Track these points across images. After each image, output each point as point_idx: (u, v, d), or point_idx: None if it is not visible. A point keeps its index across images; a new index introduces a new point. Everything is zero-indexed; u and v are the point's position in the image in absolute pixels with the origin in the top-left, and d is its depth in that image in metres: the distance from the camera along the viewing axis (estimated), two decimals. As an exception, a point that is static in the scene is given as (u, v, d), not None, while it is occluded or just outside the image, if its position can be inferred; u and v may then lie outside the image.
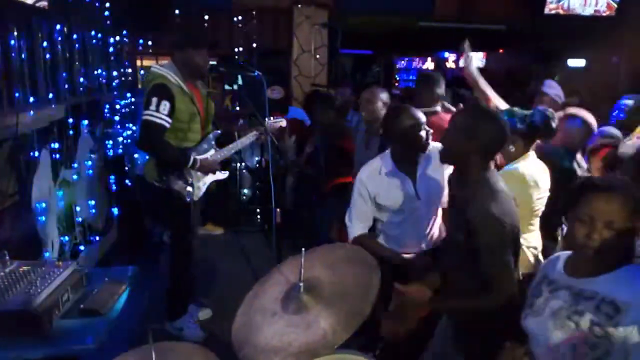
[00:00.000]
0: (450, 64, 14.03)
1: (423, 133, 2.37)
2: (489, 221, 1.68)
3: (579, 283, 1.46)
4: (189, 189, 3.07)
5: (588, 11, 6.55)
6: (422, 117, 2.41)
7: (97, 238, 4.01)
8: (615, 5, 6.55)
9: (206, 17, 5.87)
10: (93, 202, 3.87)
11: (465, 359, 1.89)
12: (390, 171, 2.42)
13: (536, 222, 2.40)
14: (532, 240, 2.37)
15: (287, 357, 1.28)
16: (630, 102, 3.56)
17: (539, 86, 4.09)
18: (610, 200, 1.37)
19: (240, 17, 6.09)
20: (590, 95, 3.92)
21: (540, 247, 2.41)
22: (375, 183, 2.43)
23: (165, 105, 2.87)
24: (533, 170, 2.34)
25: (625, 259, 1.42)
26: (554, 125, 2.42)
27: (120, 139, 4.69)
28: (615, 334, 1.31)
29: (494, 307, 1.75)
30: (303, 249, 1.45)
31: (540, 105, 3.65)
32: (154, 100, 2.87)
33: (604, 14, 6.56)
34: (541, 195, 2.34)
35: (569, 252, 1.58)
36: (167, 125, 2.91)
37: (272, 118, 3.32)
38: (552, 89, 3.82)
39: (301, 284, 1.43)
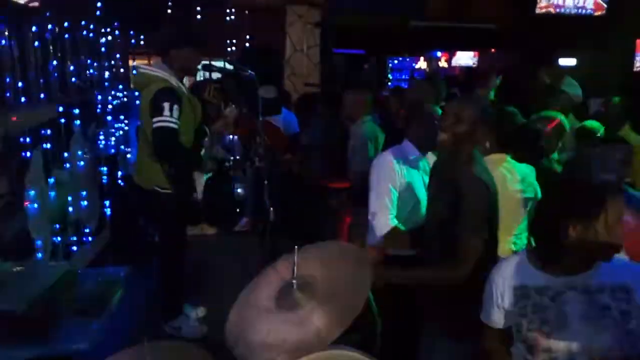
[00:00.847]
0: (442, 63, 14.08)
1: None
2: (475, 183, 1.81)
3: (579, 279, 1.43)
4: (195, 193, 3.08)
5: (578, 10, 6.61)
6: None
7: (90, 238, 4.00)
8: (604, 5, 6.61)
9: (199, 16, 5.86)
10: (85, 202, 3.86)
11: (448, 335, 1.90)
12: (417, 157, 2.53)
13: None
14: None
15: (281, 353, 1.29)
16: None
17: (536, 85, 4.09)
18: (621, 198, 1.41)
19: (233, 17, 6.09)
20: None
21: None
22: (403, 165, 2.51)
23: (176, 110, 2.81)
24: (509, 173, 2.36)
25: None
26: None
27: (113, 138, 4.67)
28: (637, 312, 1.38)
29: (453, 277, 1.78)
30: (296, 246, 1.46)
31: (556, 104, 3.67)
32: (166, 105, 2.78)
33: (594, 13, 6.63)
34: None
35: (517, 255, 1.58)
36: (178, 129, 2.85)
37: (231, 106, 3.32)
38: (571, 87, 3.78)
39: (295, 281, 1.44)
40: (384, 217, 2.44)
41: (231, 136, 4.68)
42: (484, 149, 2.36)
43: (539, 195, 2.35)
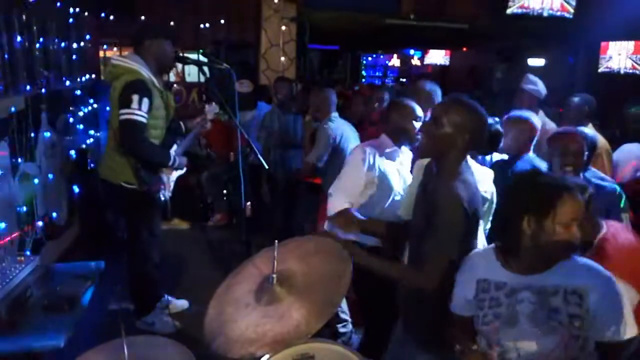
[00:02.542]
0: (415, 61, 14.25)
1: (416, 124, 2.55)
2: (451, 200, 1.66)
3: (536, 280, 1.46)
4: (163, 187, 3.02)
5: (545, 12, 6.78)
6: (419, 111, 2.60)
7: (59, 233, 3.90)
8: (569, 8, 6.80)
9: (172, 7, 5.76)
10: (54, 196, 3.76)
11: (416, 344, 1.89)
12: (393, 150, 2.62)
13: None
14: None
15: (262, 347, 1.30)
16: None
17: (500, 85, 4.19)
18: (576, 199, 1.42)
19: (208, 10, 6.01)
20: (549, 94, 4.04)
21: None
22: (380, 157, 2.59)
23: (145, 103, 2.75)
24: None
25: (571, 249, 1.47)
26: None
27: (82, 130, 4.56)
28: (587, 318, 1.40)
29: (413, 283, 1.76)
30: (276, 241, 1.47)
31: (520, 102, 3.76)
32: (135, 97, 2.72)
33: (562, 15, 6.81)
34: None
35: (488, 248, 1.62)
36: (146, 123, 2.80)
37: (212, 104, 3.29)
38: (531, 84, 3.87)
39: (274, 276, 1.44)
40: (338, 200, 2.51)
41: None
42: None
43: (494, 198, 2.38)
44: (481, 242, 2.37)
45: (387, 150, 2.62)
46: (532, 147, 2.88)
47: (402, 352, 1.96)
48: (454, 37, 9.10)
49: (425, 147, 1.83)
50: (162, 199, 3.06)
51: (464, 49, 12.41)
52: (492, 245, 1.63)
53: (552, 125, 3.74)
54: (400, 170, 2.66)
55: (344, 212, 2.17)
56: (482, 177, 2.39)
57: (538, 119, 2.97)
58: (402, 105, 2.65)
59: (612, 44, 7.54)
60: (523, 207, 1.44)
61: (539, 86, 3.85)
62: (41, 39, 3.70)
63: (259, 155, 2.90)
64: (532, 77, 3.91)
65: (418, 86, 3.24)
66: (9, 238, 2.98)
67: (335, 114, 3.79)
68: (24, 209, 3.27)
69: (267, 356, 1.41)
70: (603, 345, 1.43)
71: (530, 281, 1.47)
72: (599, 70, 7.70)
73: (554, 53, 9.24)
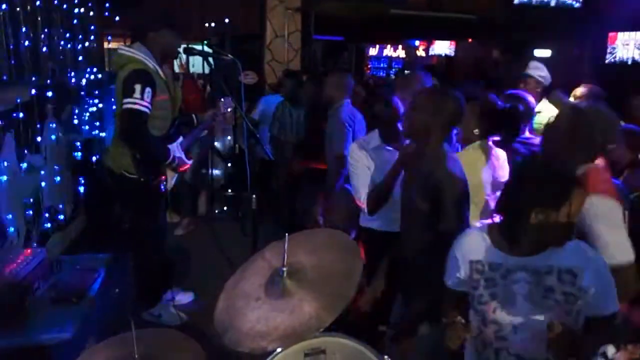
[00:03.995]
0: (420, 52, 14.15)
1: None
2: (453, 180, 1.89)
3: (530, 261, 1.49)
4: (164, 179, 3.01)
5: (553, 1, 6.71)
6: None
7: (65, 224, 3.90)
8: (580, -3, 6.74)
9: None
10: (60, 187, 3.76)
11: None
12: (379, 146, 2.61)
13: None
14: None
15: (273, 340, 1.28)
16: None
17: (507, 75, 4.14)
18: (585, 192, 1.46)
19: (212, 0, 5.97)
20: (555, 85, 3.99)
21: None
22: (369, 153, 2.61)
23: (148, 93, 2.72)
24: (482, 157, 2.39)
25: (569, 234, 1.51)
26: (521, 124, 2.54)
27: (88, 122, 4.55)
28: (579, 294, 1.46)
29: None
30: (287, 234, 1.45)
31: (524, 88, 3.72)
32: (138, 87, 2.70)
33: (570, 4, 6.73)
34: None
35: (478, 229, 1.63)
36: (149, 113, 2.77)
37: (228, 98, 3.25)
38: (537, 70, 3.83)
39: (284, 269, 1.43)
40: (363, 195, 2.58)
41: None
42: (472, 137, 2.40)
43: None
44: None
45: (371, 146, 2.62)
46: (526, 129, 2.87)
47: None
48: (460, 27, 9.01)
49: (407, 131, 2.07)
50: (164, 189, 3.04)
51: (469, 40, 12.30)
52: (483, 225, 1.64)
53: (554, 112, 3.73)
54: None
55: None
56: (503, 163, 2.43)
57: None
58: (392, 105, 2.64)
59: (619, 34, 7.46)
60: (535, 199, 1.43)
61: (545, 72, 3.81)
62: (46, 30, 3.68)
63: (265, 147, 2.88)
64: (537, 63, 3.87)
65: (411, 77, 3.25)
66: (16, 230, 2.98)
67: (346, 100, 3.71)
68: (30, 200, 3.27)
69: (278, 350, 1.40)
70: (593, 321, 1.49)
71: (525, 262, 1.50)
72: (606, 61, 7.63)
73: (560, 44, 9.15)
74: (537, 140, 2.78)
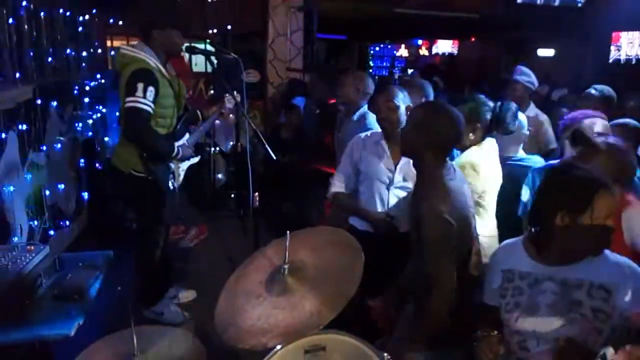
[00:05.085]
0: (423, 51, 14.13)
1: (394, 115, 2.48)
2: (437, 219, 1.70)
3: (559, 272, 1.46)
4: (172, 177, 3.01)
5: (559, 1, 6.68)
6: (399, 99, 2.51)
7: (67, 222, 3.91)
8: (584, -4, 6.71)
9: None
10: (62, 186, 3.77)
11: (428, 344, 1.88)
12: (378, 141, 2.56)
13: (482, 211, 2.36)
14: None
15: (274, 337, 1.29)
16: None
17: (508, 75, 4.12)
18: (611, 195, 1.41)
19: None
20: (558, 83, 3.99)
21: (490, 234, 2.36)
22: (362, 147, 2.59)
23: (151, 92, 2.73)
24: (485, 157, 2.37)
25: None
26: (516, 123, 2.51)
27: (90, 120, 4.56)
28: (614, 314, 1.40)
29: (443, 303, 1.74)
30: (288, 231, 1.45)
31: (512, 93, 3.71)
32: (140, 86, 2.71)
33: (572, 2, 6.70)
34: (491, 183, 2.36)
35: (516, 239, 1.61)
36: (152, 112, 2.79)
37: (234, 93, 3.24)
38: (524, 75, 3.83)
39: (286, 266, 1.43)
40: (333, 186, 2.65)
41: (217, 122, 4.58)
42: (468, 141, 2.38)
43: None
44: (492, 225, 2.38)
45: (370, 143, 2.58)
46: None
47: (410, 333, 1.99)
48: (463, 26, 8.99)
49: (403, 148, 1.97)
50: (171, 187, 3.04)
51: (472, 39, 12.27)
52: (522, 236, 1.64)
53: (544, 117, 3.73)
54: (386, 164, 2.56)
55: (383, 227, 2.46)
56: (488, 160, 2.38)
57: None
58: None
59: (623, 33, 7.43)
60: (558, 203, 1.43)
61: (532, 78, 3.81)
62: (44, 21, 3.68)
63: (267, 146, 2.86)
64: (524, 68, 3.88)
65: (410, 80, 3.23)
66: (19, 227, 2.99)
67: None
68: (32, 198, 3.28)
69: (278, 347, 1.40)
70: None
71: (554, 272, 1.47)
72: (610, 60, 7.60)
73: (564, 43, 9.12)
74: (533, 159, 2.80)
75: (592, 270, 1.44)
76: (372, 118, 3.10)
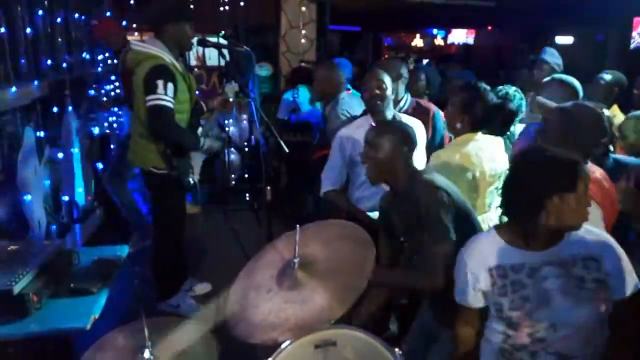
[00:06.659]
0: (438, 41, 13.96)
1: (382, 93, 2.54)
2: (431, 195, 1.77)
3: (552, 254, 1.45)
4: (191, 172, 3.04)
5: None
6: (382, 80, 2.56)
7: (85, 216, 3.97)
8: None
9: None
10: (79, 181, 3.81)
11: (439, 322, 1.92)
12: (367, 124, 2.51)
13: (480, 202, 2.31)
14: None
15: (284, 332, 1.28)
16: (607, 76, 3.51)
17: (525, 62, 4.05)
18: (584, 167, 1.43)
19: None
20: (578, 72, 3.88)
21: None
22: (354, 138, 2.57)
23: (170, 88, 2.72)
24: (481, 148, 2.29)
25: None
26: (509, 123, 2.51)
27: (106, 116, 4.60)
28: (607, 279, 1.44)
29: (420, 285, 1.81)
30: (298, 225, 1.44)
31: (539, 73, 3.64)
32: (160, 83, 2.69)
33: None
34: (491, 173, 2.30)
35: (484, 236, 1.55)
36: (173, 108, 2.77)
37: (232, 82, 3.22)
38: (552, 57, 3.74)
39: (296, 260, 1.42)
40: (324, 185, 2.68)
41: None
42: (455, 130, 2.34)
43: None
44: (495, 218, 2.34)
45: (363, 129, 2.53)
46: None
47: (426, 329, 2.00)
48: (480, 15, 8.84)
49: (371, 173, 1.94)
50: (192, 182, 3.05)
51: (489, 27, 12.07)
52: (490, 229, 1.57)
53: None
54: None
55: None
56: (494, 150, 2.34)
57: None
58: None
59: (645, 18, 7.22)
60: (549, 187, 1.39)
61: (559, 60, 3.72)
62: (59, 18, 3.71)
63: (279, 139, 2.86)
64: (552, 49, 3.78)
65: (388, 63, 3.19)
66: (37, 222, 3.04)
67: (342, 94, 3.44)
68: (49, 194, 3.33)
69: (288, 341, 1.40)
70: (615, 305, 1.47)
71: (548, 256, 1.45)
72: (631, 47, 7.40)
73: (583, 30, 8.91)
74: None
75: (577, 244, 1.46)
76: (345, 99, 3.28)
